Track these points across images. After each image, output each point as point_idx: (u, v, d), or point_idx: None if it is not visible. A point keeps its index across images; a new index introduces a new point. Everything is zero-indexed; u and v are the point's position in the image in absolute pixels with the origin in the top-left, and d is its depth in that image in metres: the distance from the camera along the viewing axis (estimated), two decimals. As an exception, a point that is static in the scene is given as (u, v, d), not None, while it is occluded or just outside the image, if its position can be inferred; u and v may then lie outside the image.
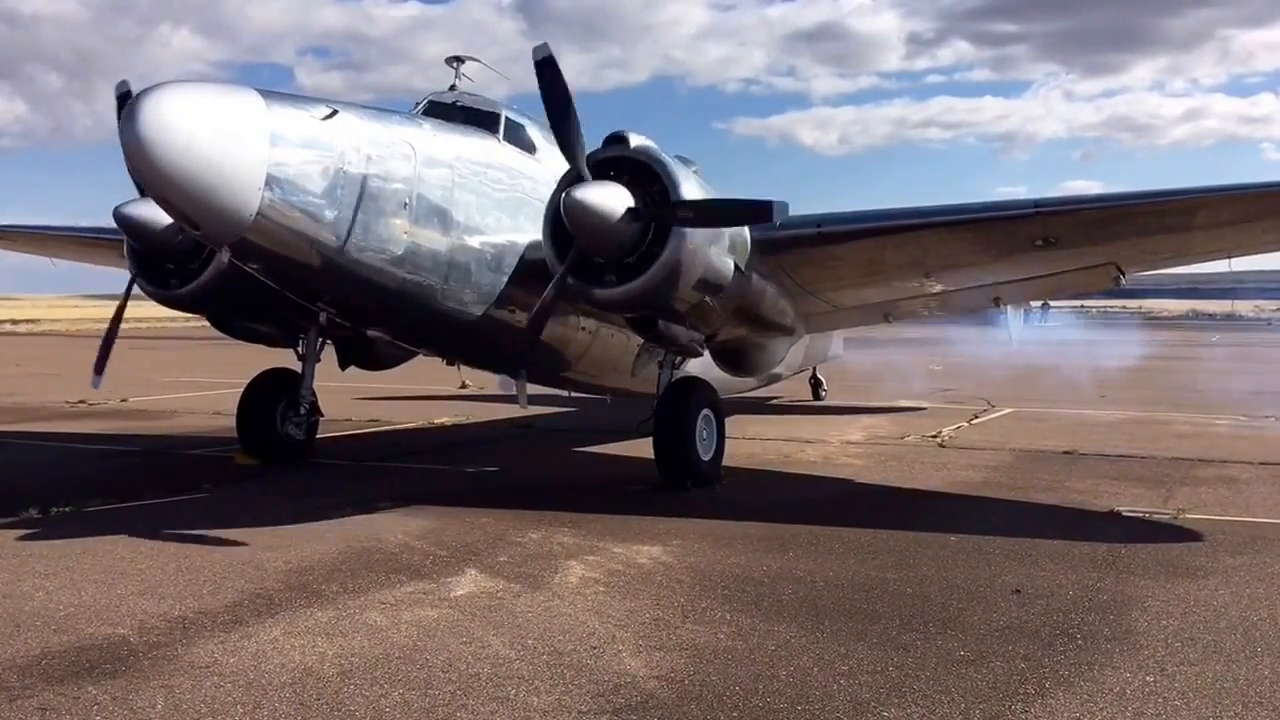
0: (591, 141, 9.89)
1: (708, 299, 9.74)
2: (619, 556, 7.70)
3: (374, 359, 12.67)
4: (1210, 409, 18.61)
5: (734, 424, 13.57)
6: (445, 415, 17.34)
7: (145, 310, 11.57)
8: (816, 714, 4.76)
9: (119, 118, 9.88)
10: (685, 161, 9.82)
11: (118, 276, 12.04)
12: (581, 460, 13.14)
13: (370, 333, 10.67)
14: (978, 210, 10.36)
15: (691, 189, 9.17)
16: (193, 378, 25.26)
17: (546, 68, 8.75)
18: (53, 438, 14.48)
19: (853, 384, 22.29)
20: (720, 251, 9.48)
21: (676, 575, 7.19)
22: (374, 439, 14.62)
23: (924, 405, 19.38)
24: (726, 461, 11.22)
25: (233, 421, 12.22)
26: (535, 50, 8.82)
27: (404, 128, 9.30)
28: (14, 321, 73.41)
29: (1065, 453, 13.15)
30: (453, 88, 10.79)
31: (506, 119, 10.50)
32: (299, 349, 11.89)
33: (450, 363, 12.22)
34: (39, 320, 76.21)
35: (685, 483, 10.43)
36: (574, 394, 13.89)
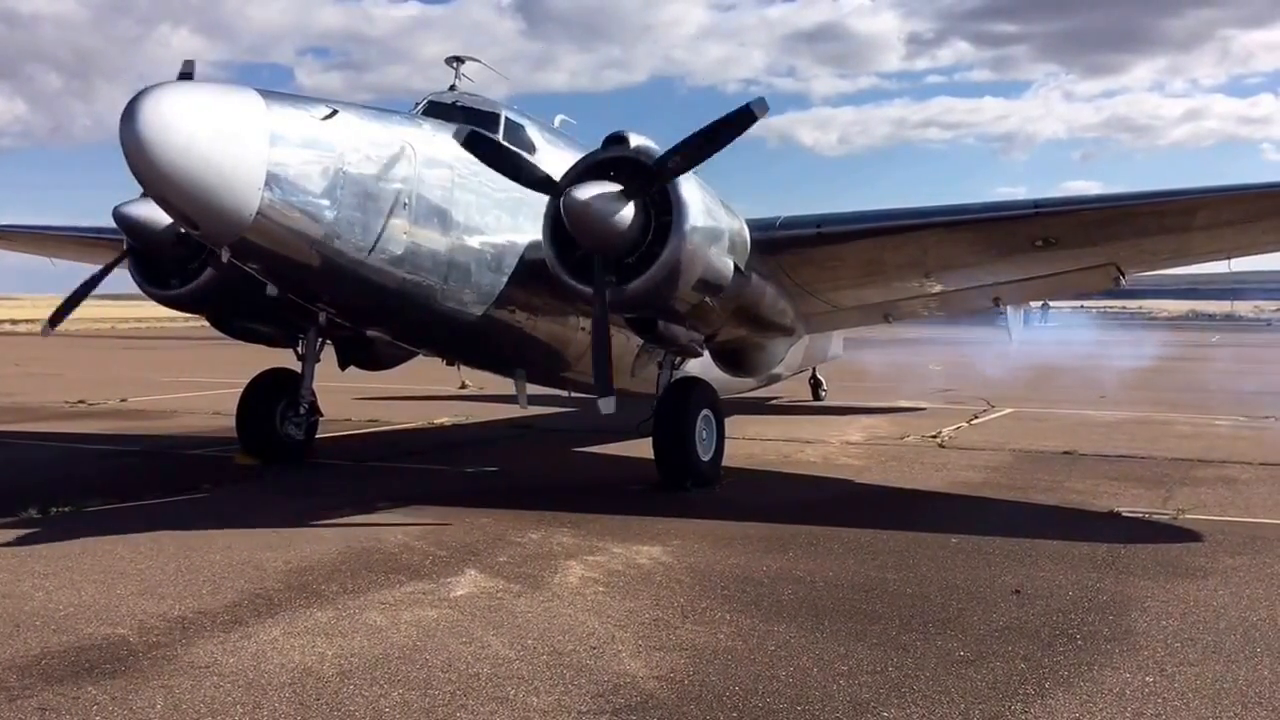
0: (592, 142, 9.90)
1: (707, 299, 9.74)
2: (619, 557, 7.70)
3: (374, 359, 12.68)
4: (1210, 409, 18.62)
5: (734, 424, 13.58)
6: (445, 415, 17.34)
7: (145, 310, 11.56)
8: (816, 714, 4.76)
9: None
10: (686, 162, 9.81)
11: (118, 276, 12.04)
12: (581, 460, 13.14)
13: (370, 333, 10.67)
14: (977, 210, 10.36)
15: (691, 189, 9.17)
16: (193, 378, 25.26)
17: (746, 118, 8.60)
18: (52, 438, 14.48)
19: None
20: (720, 252, 9.48)
21: (676, 575, 7.19)
22: (374, 439, 14.62)
23: (924, 405, 19.39)
24: (726, 462, 11.23)
25: (233, 421, 12.22)
26: (756, 103, 8.59)
27: (404, 128, 9.30)
28: (14, 321, 73.34)
29: (1065, 453, 13.15)
30: (452, 88, 10.79)
31: (506, 119, 10.50)
32: (299, 349, 11.90)
33: (450, 363, 12.22)
34: (39, 320, 76.15)
35: (685, 483, 10.43)
36: (574, 394, 13.88)
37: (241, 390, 12.09)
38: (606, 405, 9.05)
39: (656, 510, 9.37)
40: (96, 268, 14.87)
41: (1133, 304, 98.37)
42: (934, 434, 15.10)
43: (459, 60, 11.08)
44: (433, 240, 9.32)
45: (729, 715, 4.75)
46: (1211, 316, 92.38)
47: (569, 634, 5.86)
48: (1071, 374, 24.80)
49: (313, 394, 11.65)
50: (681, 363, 11.59)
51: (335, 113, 8.53)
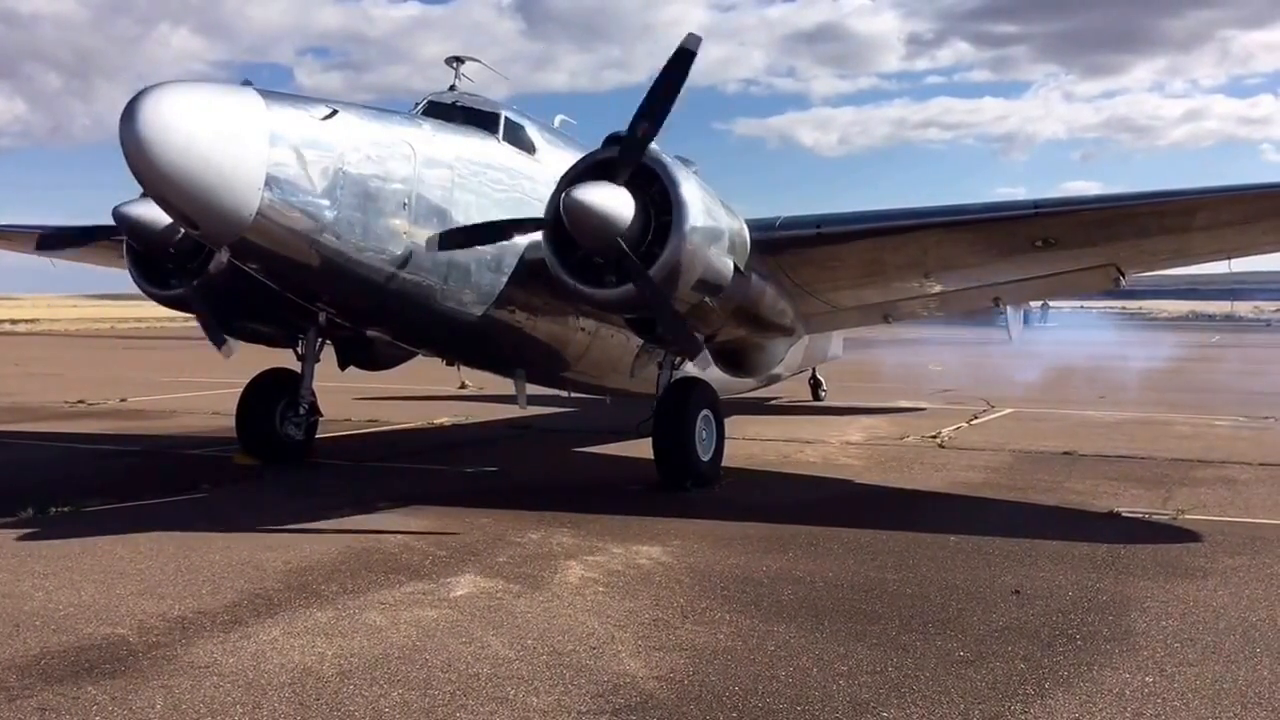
0: (591, 142, 9.90)
1: (707, 299, 9.74)
2: (618, 557, 7.70)
3: (373, 359, 12.68)
4: (1210, 409, 18.63)
5: (733, 424, 13.59)
6: (445, 415, 17.35)
7: (145, 310, 11.56)
8: (816, 714, 4.76)
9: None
10: (685, 162, 9.82)
11: (118, 276, 12.04)
12: (581, 460, 13.14)
13: (370, 333, 10.68)
14: (977, 211, 10.37)
15: (691, 190, 9.17)
16: (192, 378, 25.24)
17: (684, 57, 8.60)
18: (52, 438, 14.48)
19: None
20: (719, 252, 9.48)
21: (676, 575, 7.19)
22: (373, 439, 14.62)
23: (923, 406, 19.40)
24: (726, 462, 11.23)
25: (232, 421, 12.22)
26: (688, 38, 8.61)
27: (404, 128, 9.30)
28: (14, 321, 73.37)
29: (1065, 453, 13.15)
30: (452, 88, 10.79)
31: (506, 119, 10.50)
32: (299, 349, 11.90)
33: (450, 363, 12.22)
34: (39, 320, 76.20)
35: (685, 483, 10.43)
36: (573, 394, 13.89)
37: (241, 390, 12.10)
38: (701, 362, 9.82)
39: (656, 510, 9.37)
40: (97, 268, 14.85)
41: (1132, 304, 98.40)
42: (934, 434, 15.10)
43: (459, 60, 11.08)
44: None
45: (729, 715, 4.75)
46: (1211, 317, 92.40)
47: (569, 634, 5.86)
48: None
49: (312, 394, 11.65)
50: (681, 363, 11.60)
51: (335, 113, 8.53)
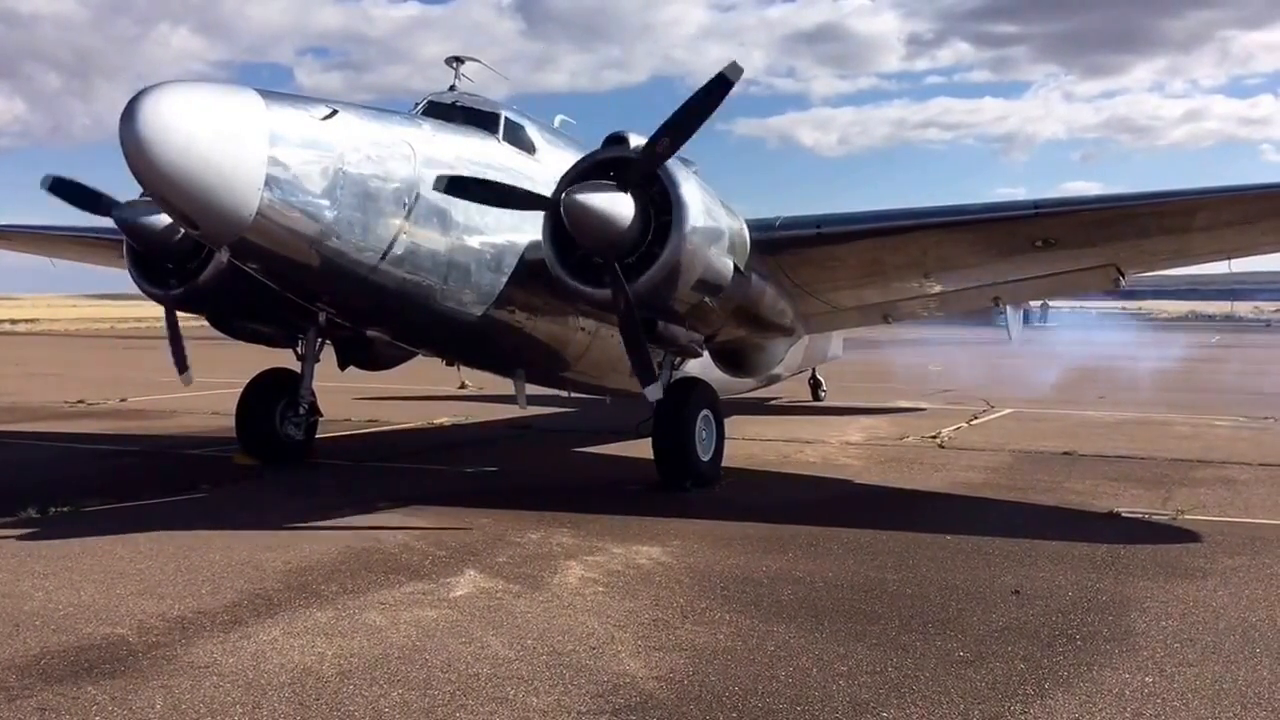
0: (592, 142, 9.90)
1: (707, 299, 9.74)
2: (618, 557, 7.70)
3: (373, 359, 12.68)
4: (1210, 410, 18.63)
5: (733, 424, 13.59)
6: (444, 415, 17.35)
7: (145, 310, 11.56)
8: (816, 714, 4.76)
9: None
10: (685, 162, 9.83)
11: (118, 276, 12.04)
12: (581, 460, 13.14)
13: (369, 333, 10.68)
14: (977, 211, 10.37)
15: (691, 190, 9.17)
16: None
17: (723, 84, 8.59)
18: (52, 438, 14.48)
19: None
20: (720, 252, 9.48)
21: (676, 576, 7.19)
22: (373, 439, 14.62)
23: (923, 406, 19.40)
24: (726, 462, 11.23)
25: (232, 421, 12.22)
26: (730, 68, 8.56)
27: (403, 128, 9.30)
28: (14, 321, 73.37)
29: (1064, 454, 13.15)
30: (452, 88, 10.79)
31: (506, 119, 10.50)
32: (298, 349, 11.90)
33: (450, 363, 12.22)
34: (39, 320, 76.20)
35: (684, 483, 10.43)
36: (573, 394, 13.89)
37: (241, 390, 12.10)
38: (653, 392, 9.56)
39: (656, 510, 9.37)
40: (96, 268, 14.86)
41: (1132, 305, 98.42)
42: (933, 434, 15.10)
43: (459, 60, 11.08)
44: (432, 240, 9.32)
45: (728, 715, 4.75)
46: (1211, 317, 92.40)
47: (569, 634, 5.86)
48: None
49: (312, 394, 11.65)
50: (681, 363, 11.60)
51: (335, 113, 8.53)
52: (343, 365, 12.75)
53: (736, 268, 9.80)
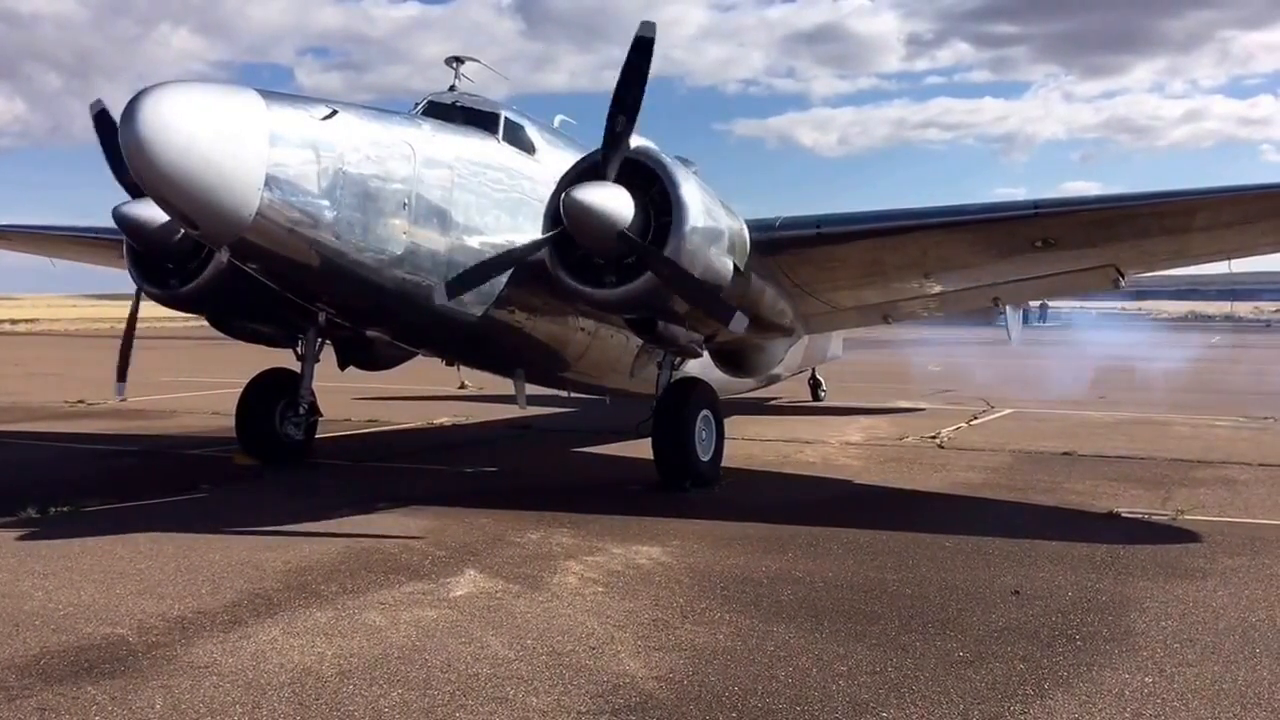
0: (592, 142, 9.90)
1: (707, 300, 9.73)
2: (618, 557, 7.70)
3: (373, 359, 12.67)
4: (1210, 410, 18.63)
5: (733, 425, 13.59)
6: (444, 415, 17.35)
7: (145, 310, 11.58)
8: (815, 714, 4.76)
9: (97, 133, 9.99)
10: (685, 162, 9.84)
11: (118, 276, 12.04)
12: (580, 460, 13.14)
13: (369, 333, 10.67)
14: (977, 211, 10.36)
15: (691, 191, 9.17)
16: (192, 378, 25.27)
17: (643, 46, 8.67)
18: (52, 438, 14.47)
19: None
20: (719, 252, 9.48)
21: (675, 576, 7.19)
22: (373, 439, 14.62)
23: (923, 406, 19.40)
24: (725, 462, 11.23)
25: (232, 421, 12.22)
26: (643, 25, 8.69)
27: (403, 128, 9.30)
28: (14, 321, 73.37)
29: (1064, 454, 13.15)
30: (452, 88, 10.78)
31: (506, 119, 10.49)
32: (298, 349, 11.90)
33: (450, 363, 12.23)
34: (39, 320, 76.21)
35: (684, 483, 10.43)
36: (573, 394, 13.89)
37: (241, 390, 12.10)
38: (739, 322, 9.24)
39: (656, 510, 9.38)
40: (96, 268, 14.86)
41: (1131, 305, 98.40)
42: (933, 435, 15.10)
43: (459, 60, 11.08)
44: (432, 240, 9.32)
45: (728, 715, 4.75)
46: (1210, 317, 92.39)
47: (568, 634, 5.86)
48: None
49: (312, 394, 11.65)
50: (681, 363, 11.60)
51: (335, 113, 8.53)
52: (343, 365, 12.75)
53: (736, 268, 9.80)
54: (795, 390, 20.34)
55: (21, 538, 8.05)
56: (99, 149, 10.41)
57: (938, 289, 11.88)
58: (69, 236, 15.31)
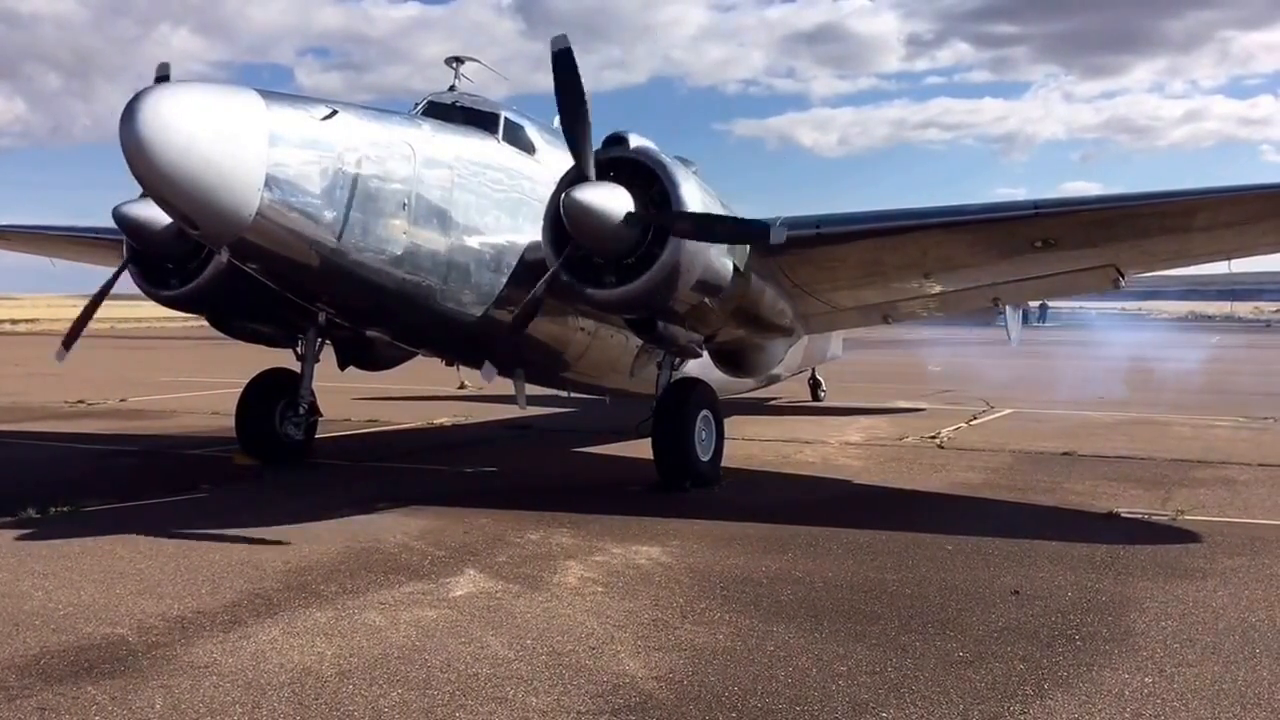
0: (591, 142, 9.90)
1: (707, 300, 9.75)
2: (618, 557, 7.70)
3: (373, 359, 12.67)
4: (1210, 410, 18.63)
5: (733, 425, 13.59)
6: (444, 415, 17.35)
7: (145, 310, 11.57)
8: (815, 714, 4.76)
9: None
10: (685, 162, 9.83)
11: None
12: (580, 461, 13.14)
13: (369, 333, 10.68)
14: (977, 211, 10.36)
15: (691, 190, 9.17)
16: (192, 378, 25.26)
17: (563, 59, 8.70)
18: (51, 438, 14.48)
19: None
20: (719, 253, 9.48)
21: (675, 576, 7.19)
22: (373, 439, 14.62)
23: (923, 406, 19.40)
24: (725, 462, 11.23)
25: (232, 421, 12.22)
26: (554, 41, 8.75)
27: (403, 128, 9.30)
28: (14, 321, 73.34)
29: (1064, 454, 13.15)
30: (452, 88, 10.79)
31: (506, 119, 10.50)
32: (298, 349, 11.90)
33: (450, 363, 12.22)
34: (39, 320, 76.18)
35: (684, 483, 10.43)
36: (573, 394, 13.89)
37: (241, 390, 12.10)
38: (488, 373, 9.51)
39: (656, 510, 9.38)
40: (96, 268, 14.85)
41: (1131, 305, 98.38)
42: (933, 435, 15.10)
43: (458, 60, 11.08)
44: (432, 240, 9.32)
45: (728, 715, 4.75)
46: (1210, 318, 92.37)
47: (568, 634, 5.86)
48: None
49: (312, 394, 11.65)
50: (681, 363, 11.60)
51: (335, 113, 8.53)
52: (343, 365, 12.75)
53: (736, 268, 9.80)
54: (795, 390, 20.34)
55: (21, 538, 8.05)
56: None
57: (938, 289, 11.88)
58: (69, 236, 15.31)
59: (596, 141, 9.60)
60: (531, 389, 11.94)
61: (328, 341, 12.06)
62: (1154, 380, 24.58)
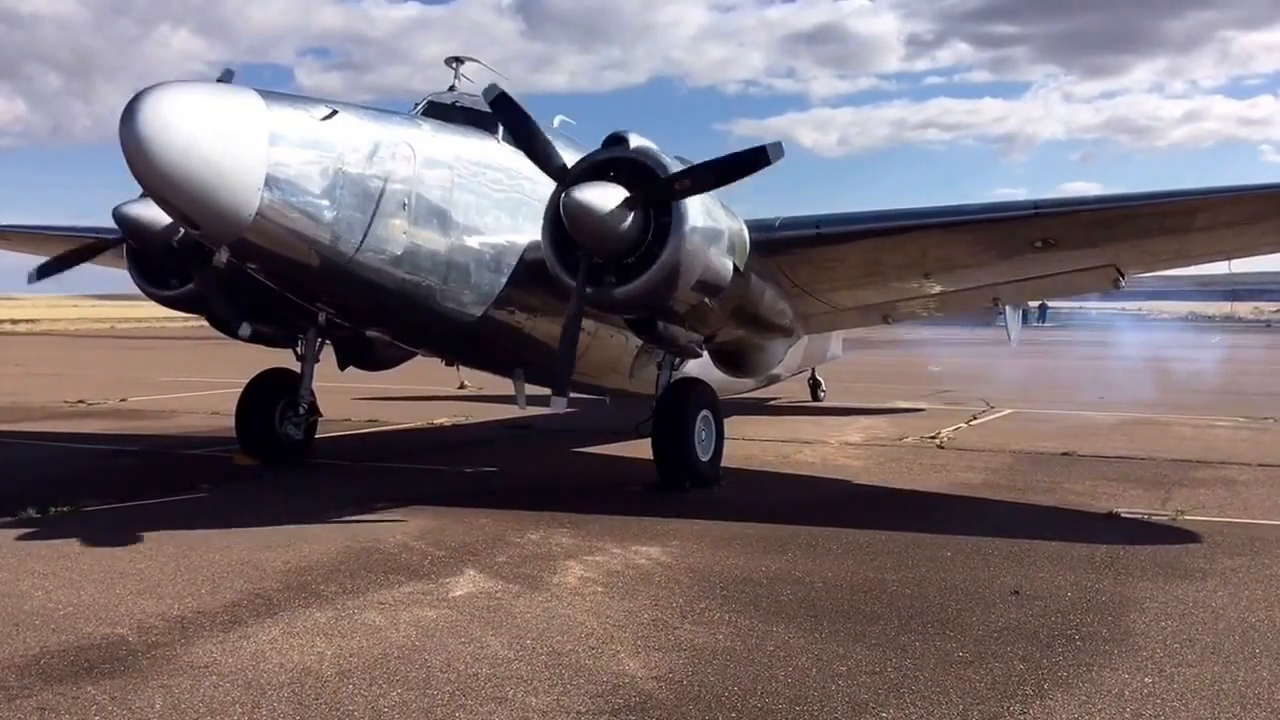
0: (592, 142, 9.90)
1: (707, 300, 9.74)
2: (618, 557, 7.70)
3: (373, 359, 12.68)
4: (1210, 410, 18.63)
5: (733, 425, 13.58)
6: (444, 415, 17.35)
7: (145, 310, 11.57)
8: (815, 715, 4.76)
9: None
10: (685, 162, 9.82)
11: (118, 276, 12.04)
12: (580, 460, 13.14)
13: (369, 333, 10.67)
14: (977, 211, 10.36)
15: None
16: (192, 378, 25.26)
17: (502, 103, 9.04)
18: (52, 437, 14.48)
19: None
20: (719, 252, 9.48)
21: (675, 576, 7.19)
22: (373, 439, 14.62)
23: (923, 406, 19.40)
24: (725, 462, 11.22)
25: (231, 421, 12.22)
26: (485, 92, 9.10)
27: (403, 128, 9.30)
28: (14, 321, 73.34)
29: (1064, 454, 13.15)
30: (452, 88, 10.79)
31: (506, 119, 10.48)
32: (298, 349, 11.90)
33: (450, 363, 12.22)
34: (39, 320, 76.18)
35: (684, 483, 10.43)
36: (573, 394, 13.88)
37: (241, 390, 12.10)
38: (558, 404, 9.45)
39: (655, 511, 9.38)
40: (96, 268, 14.84)
41: (1131, 305, 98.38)
42: (933, 435, 15.10)
43: (458, 61, 11.08)
44: (432, 240, 9.33)
45: (727, 715, 4.75)
46: (1210, 318, 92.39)
47: (568, 634, 5.86)
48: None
49: (312, 394, 11.65)
50: (681, 363, 11.60)
51: (335, 113, 8.53)
52: (343, 365, 12.75)
53: (736, 268, 9.80)
54: (795, 390, 20.34)
55: (21, 538, 8.05)
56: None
57: (937, 289, 11.88)
58: (69, 236, 15.30)
59: (596, 141, 9.61)
60: (532, 389, 11.94)
61: (328, 341, 12.07)
62: (1164, 380, 24.47)
